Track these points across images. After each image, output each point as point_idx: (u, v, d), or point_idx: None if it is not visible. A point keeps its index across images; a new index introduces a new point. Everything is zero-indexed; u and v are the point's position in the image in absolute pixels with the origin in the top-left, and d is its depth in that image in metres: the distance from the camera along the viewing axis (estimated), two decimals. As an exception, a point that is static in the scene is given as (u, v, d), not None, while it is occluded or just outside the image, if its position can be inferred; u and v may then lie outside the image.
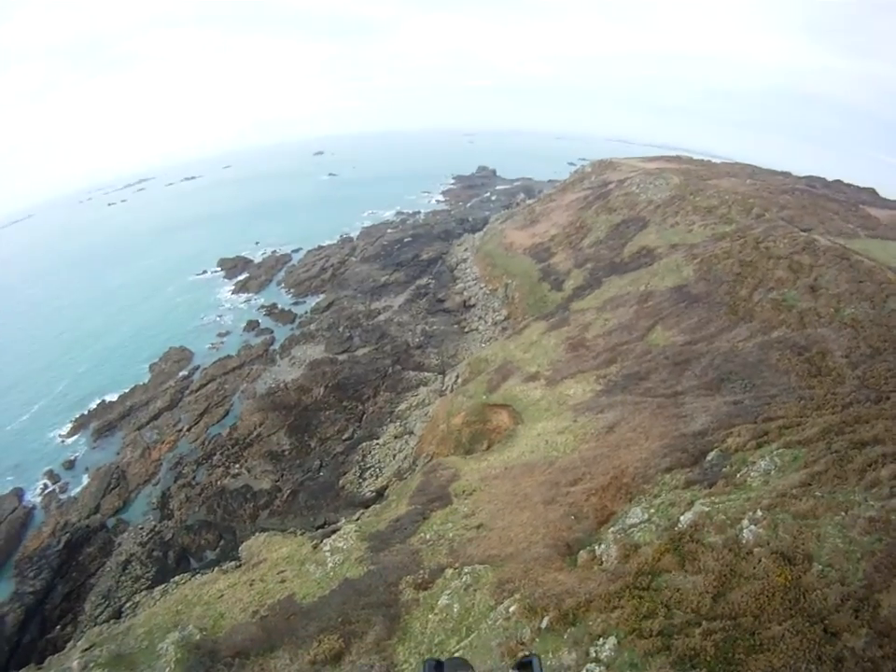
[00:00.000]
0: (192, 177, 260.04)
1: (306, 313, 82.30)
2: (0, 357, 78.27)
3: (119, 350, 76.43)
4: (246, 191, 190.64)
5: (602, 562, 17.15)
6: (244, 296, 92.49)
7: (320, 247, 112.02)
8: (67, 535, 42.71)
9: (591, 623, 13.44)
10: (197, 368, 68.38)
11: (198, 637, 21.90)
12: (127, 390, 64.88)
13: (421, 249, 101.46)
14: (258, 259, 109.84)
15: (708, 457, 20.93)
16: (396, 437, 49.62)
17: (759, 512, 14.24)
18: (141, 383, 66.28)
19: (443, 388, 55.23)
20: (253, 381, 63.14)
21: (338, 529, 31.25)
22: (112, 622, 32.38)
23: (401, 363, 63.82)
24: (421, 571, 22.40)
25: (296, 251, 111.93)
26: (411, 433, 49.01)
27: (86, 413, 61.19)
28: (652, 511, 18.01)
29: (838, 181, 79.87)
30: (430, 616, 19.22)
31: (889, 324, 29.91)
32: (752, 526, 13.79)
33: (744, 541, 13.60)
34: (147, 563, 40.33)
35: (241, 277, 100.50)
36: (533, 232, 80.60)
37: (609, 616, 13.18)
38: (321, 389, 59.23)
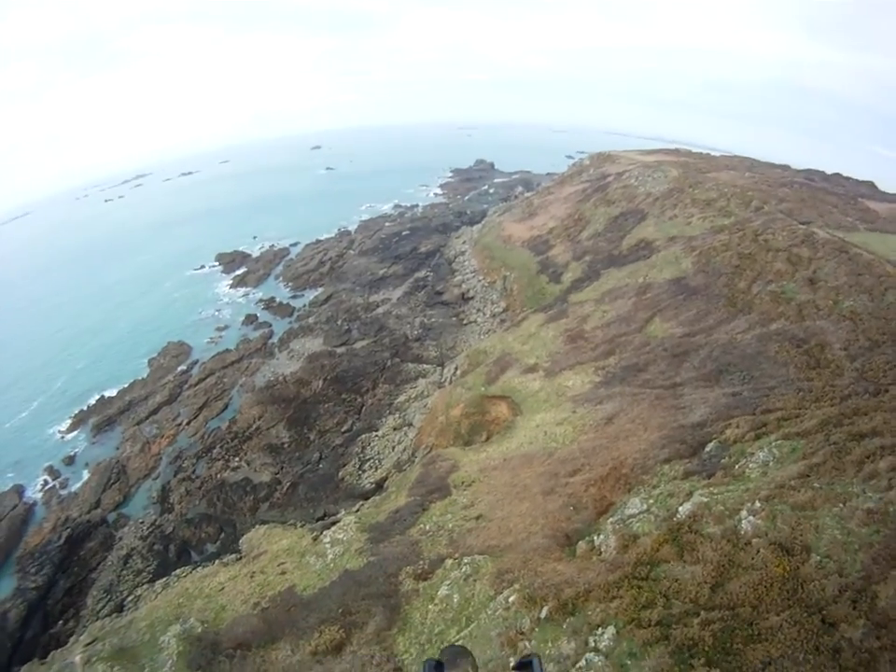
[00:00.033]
0: (189, 173, 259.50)
1: (304, 306, 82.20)
2: (-1, 354, 78.02)
3: (118, 346, 76.34)
4: (244, 186, 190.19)
5: (601, 552, 17.24)
6: (242, 290, 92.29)
7: (318, 241, 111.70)
8: (68, 530, 42.77)
9: (590, 612, 13.53)
10: (196, 362, 68.34)
11: (199, 629, 21.97)
12: (126, 385, 64.82)
13: (419, 242, 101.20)
14: (256, 253, 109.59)
15: (707, 448, 20.97)
16: (395, 429, 49.69)
17: (757, 503, 14.30)
18: (140, 378, 66.18)
19: (442, 380, 55.25)
20: (252, 374, 63.14)
21: (338, 521, 31.16)
22: (114, 615, 32.45)
23: (400, 355, 63.80)
24: (421, 562, 22.45)
25: (294, 245, 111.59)
26: (410, 425, 49.06)
27: (85, 408, 61.13)
28: (651, 501, 18.07)
29: (837, 174, 79.92)
30: (430, 606, 19.28)
31: (887, 317, 29.89)
32: (751, 517, 13.87)
33: (742, 532, 13.67)
34: (148, 556, 40.42)
35: (239, 272, 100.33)
36: (531, 225, 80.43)
37: (608, 606, 13.27)
38: (320, 382, 59.25)
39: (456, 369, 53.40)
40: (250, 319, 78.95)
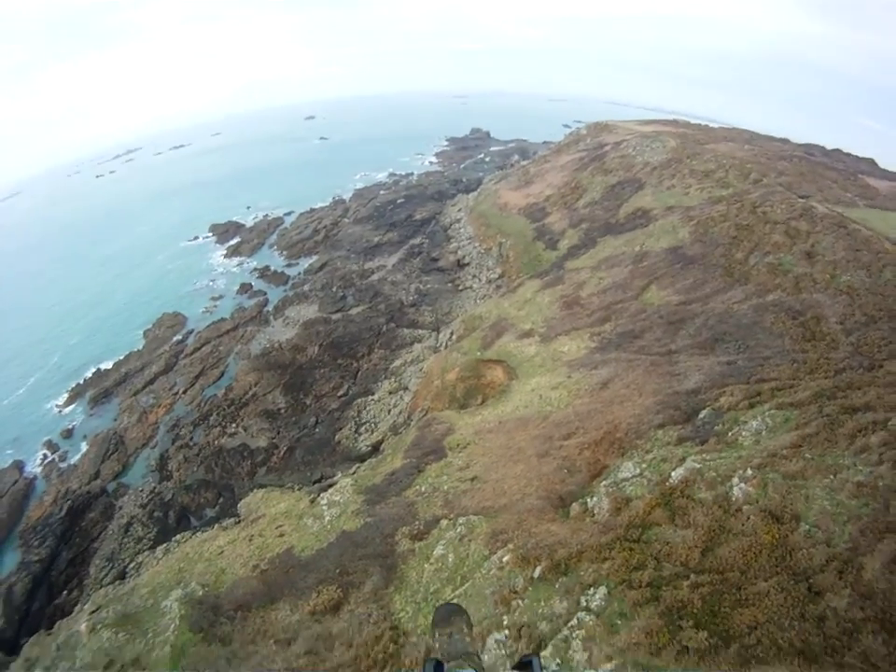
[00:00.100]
0: (181, 146, 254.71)
1: (299, 274, 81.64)
2: (-4, 333, 77.62)
3: (113, 318, 75.92)
4: (237, 157, 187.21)
5: (594, 514, 17.39)
6: (236, 260, 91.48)
7: (312, 210, 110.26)
8: (69, 502, 43.04)
9: (582, 573, 13.68)
10: (191, 332, 68.13)
11: (200, 593, 22.27)
12: (122, 357, 64.62)
13: (414, 210, 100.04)
14: (249, 223, 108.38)
15: (701, 415, 21.02)
16: (391, 393, 49.86)
17: (749, 471, 14.40)
18: (135, 349, 65.94)
19: (438, 345, 55.27)
20: (247, 342, 62.98)
21: (334, 483, 31.49)
22: (117, 583, 32.74)
23: (395, 321, 63.67)
24: (416, 522, 22.69)
25: (288, 214, 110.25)
26: (405, 389, 49.19)
27: (82, 382, 61.05)
28: (644, 466, 18.19)
29: (837, 150, 78.92)
30: (426, 566, 19.55)
31: (884, 293, 29.83)
32: (742, 484, 13.98)
33: (733, 499, 13.80)
34: (149, 524, 40.74)
35: (233, 242, 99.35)
36: (527, 193, 79.56)
37: (600, 567, 13.41)
38: (315, 348, 59.23)
39: (452, 334, 53.41)
40: (245, 288, 78.44)
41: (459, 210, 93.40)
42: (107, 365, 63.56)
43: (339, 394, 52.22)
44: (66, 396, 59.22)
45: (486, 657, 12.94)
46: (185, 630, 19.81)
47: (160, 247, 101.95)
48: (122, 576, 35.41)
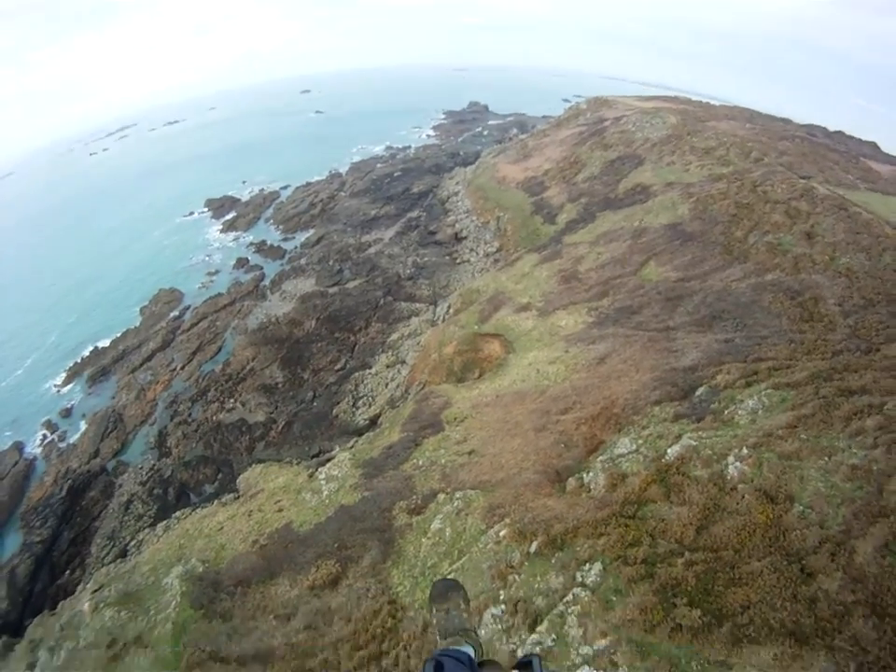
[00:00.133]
0: (175, 121, 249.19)
1: (296, 248, 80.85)
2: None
3: (109, 296, 75.36)
4: (232, 132, 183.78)
5: (590, 490, 17.44)
6: (232, 234, 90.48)
7: (309, 184, 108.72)
8: (69, 482, 43.17)
9: (578, 548, 13.73)
10: (188, 308, 67.68)
11: (201, 569, 22.50)
12: (119, 335, 64.33)
13: (412, 183, 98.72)
14: (245, 197, 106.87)
15: (697, 393, 20.97)
16: (388, 366, 49.84)
17: (745, 450, 14.39)
18: (132, 326, 65.63)
19: (435, 319, 55.11)
20: (244, 317, 62.69)
21: (332, 457, 31.53)
22: (118, 561, 33.15)
23: (393, 294, 63.32)
24: (414, 496, 22.84)
25: (284, 188, 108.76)
26: (403, 362, 49.18)
27: (79, 360, 60.82)
28: (641, 442, 18.20)
29: (840, 132, 78.11)
30: (423, 540, 19.72)
31: (883, 277, 29.59)
32: (738, 463, 13.99)
33: (729, 477, 13.81)
34: (149, 501, 40.96)
35: (229, 216, 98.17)
36: (526, 167, 78.53)
37: (596, 542, 13.46)
38: (313, 322, 59.04)
39: (449, 307, 53.22)
40: (241, 263, 77.72)
41: (457, 183, 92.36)
42: (105, 343, 63.30)
43: (336, 368, 52.18)
44: (64, 375, 59.03)
45: (483, 632, 13.04)
46: (186, 607, 20.06)
47: (155, 224, 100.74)
48: (124, 554, 35.65)
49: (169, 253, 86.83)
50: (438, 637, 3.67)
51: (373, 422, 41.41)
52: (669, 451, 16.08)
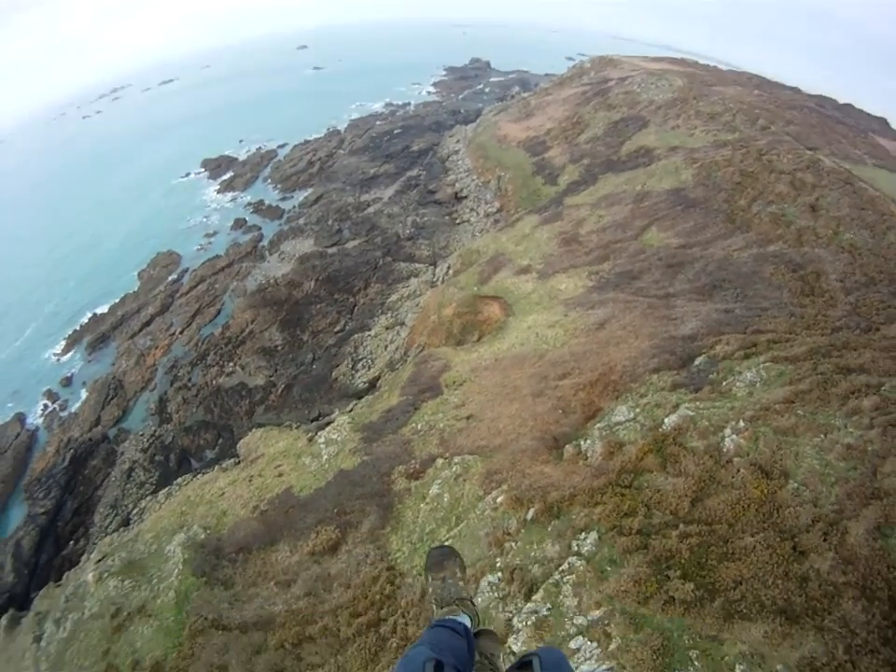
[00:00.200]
0: (170, 80, 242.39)
1: (294, 207, 79.62)
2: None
3: (107, 261, 74.50)
4: (228, 90, 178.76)
5: (587, 457, 17.41)
6: (229, 195, 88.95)
7: (307, 142, 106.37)
8: (71, 451, 43.42)
9: (574, 516, 13.75)
10: (186, 270, 67.06)
11: (202, 536, 22.74)
12: (117, 300, 63.87)
13: (411, 141, 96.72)
14: (242, 156, 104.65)
15: (696, 362, 20.78)
16: (387, 328, 49.76)
17: (741, 423, 14.28)
18: (131, 291, 65.11)
19: (434, 279, 54.78)
20: (243, 279, 62.27)
21: (332, 421, 31.51)
22: (121, 530, 33.65)
23: (392, 255, 62.72)
24: (413, 461, 22.88)
25: (282, 147, 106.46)
26: (402, 324, 49.09)
27: (78, 328, 60.51)
28: (638, 410, 18.07)
29: (849, 105, 76.24)
30: (422, 505, 19.85)
31: (886, 255, 29.08)
32: (734, 436, 13.88)
33: (725, 450, 13.72)
34: (150, 468, 41.27)
35: (226, 176, 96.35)
36: (528, 125, 76.79)
37: (592, 511, 13.44)
38: (312, 283, 58.65)
39: (449, 268, 52.79)
40: (239, 224, 76.64)
41: (457, 141, 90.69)
42: (103, 309, 62.94)
43: (335, 330, 52.08)
44: (64, 343, 58.77)
45: (479, 600, 13.15)
46: (188, 575, 20.34)
47: (151, 186, 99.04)
48: (126, 522, 36.07)
49: (166, 215, 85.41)
50: (434, 606, 3.65)
51: (373, 385, 41.45)
52: (666, 420, 15.97)
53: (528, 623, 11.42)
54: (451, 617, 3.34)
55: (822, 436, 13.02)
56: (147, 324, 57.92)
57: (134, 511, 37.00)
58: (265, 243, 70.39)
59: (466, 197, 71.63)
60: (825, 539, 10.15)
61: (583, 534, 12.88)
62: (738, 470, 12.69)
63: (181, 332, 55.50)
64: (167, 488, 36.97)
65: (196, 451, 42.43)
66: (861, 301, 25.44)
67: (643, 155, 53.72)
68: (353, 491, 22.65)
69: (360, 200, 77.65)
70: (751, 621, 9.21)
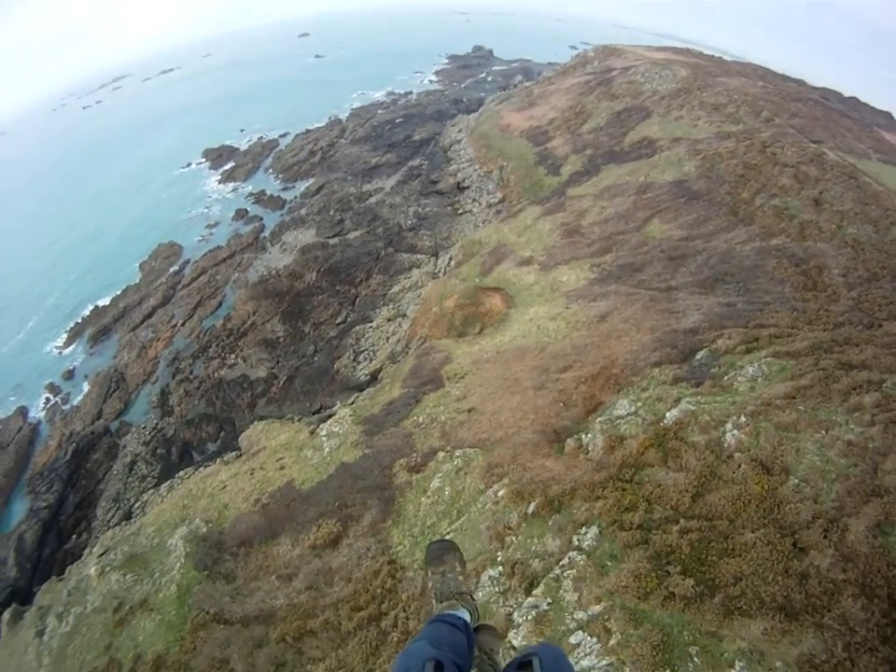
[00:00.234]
0: (170, 69, 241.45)
1: (296, 198, 79.35)
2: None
3: (108, 253, 74.41)
4: (229, 79, 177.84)
5: (588, 451, 17.36)
6: (231, 185, 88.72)
7: (308, 131, 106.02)
8: (73, 444, 43.45)
9: (575, 511, 13.77)
10: (187, 262, 66.94)
11: (204, 529, 22.78)
12: (119, 292, 63.85)
13: (413, 130, 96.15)
14: (243, 146, 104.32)
15: (698, 356, 20.66)
16: (389, 320, 49.69)
17: (743, 418, 14.21)
18: (132, 283, 65.02)
19: (436, 271, 54.64)
20: (244, 270, 62.08)
21: (334, 414, 31.50)
22: (123, 524, 33.49)
23: (394, 245, 62.49)
24: (414, 454, 22.87)
25: (283, 136, 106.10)
26: (404, 316, 49.01)
27: (80, 321, 60.54)
28: (640, 404, 17.98)
29: (854, 98, 75.88)
30: (423, 499, 19.87)
31: (889, 251, 28.72)
32: (735, 431, 13.83)
33: (726, 445, 13.68)
34: (152, 461, 41.27)
35: (227, 167, 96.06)
36: (530, 115, 76.27)
37: (593, 506, 13.45)
38: (313, 274, 58.52)
39: (451, 259, 52.65)
40: (241, 214, 76.44)
41: (459, 131, 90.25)
42: (105, 301, 62.92)
43: (337, 321, 52.01)
44: (65, 336, 58.77)
45: (480, 594, 13.21)
46: (190, 569, 20.41)
47: (152, 177, 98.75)
48: (129, 516, 36.05)
49: (167, 206, 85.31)
50: (434, 601, 3.65)
51: (374, 377, 41.44)
52: (668, 415, 15.92)
53: (529, 617, 11.47)
54: (450, 612, 3.34)
55: (823, 432, 12.96)
56: (149, 316, 57.89)
57: (136, 505, 37.03)
58: (267, 233, 70.19)
59: (468, 187, 71.27)
60: (825, 536, 10.13)
61: (584, 528, 12.89)
62: (739, 466, 12.66)
63: (183, 324, 55.45)
64: (169, 481, 36.99)
65: (198, 444, 42.46)
66: (864, 297, 25.21)
67: (646, 146, 53.36)
68: (354, 484, 22.66)
69: (362, 190, 77.30)
70: (751, 617, 9.21)
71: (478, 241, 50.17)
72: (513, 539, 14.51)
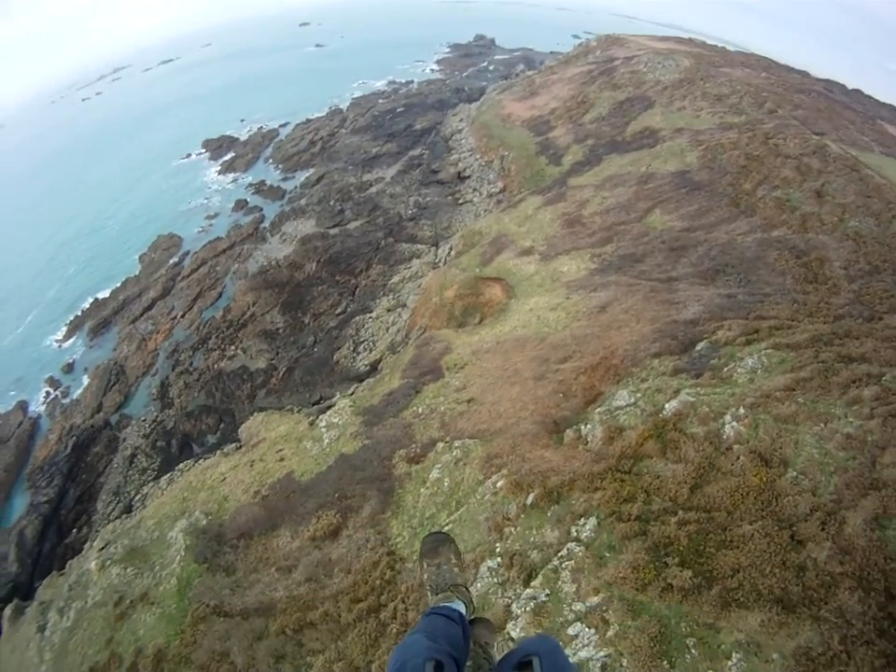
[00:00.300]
0: (170, 60, 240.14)
1: (296, 188, 78.98)
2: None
3: (108, 245, 74.25)
4: (229, 69, 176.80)
5: (587, 442, 17.32)
6: (230, 176, 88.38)
7: (308, 121, 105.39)
8: (73, 438, 43.46)
9: (574, 502, 13.75)
10: (187, 253, 66.70)
11: (204, 522, 22.82)
12: (118, 285, 63.70)
13: (414, 119, 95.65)
14: (243, 136, 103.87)
15: (697, 347, 20.59)
16: (389, 310, 49.56)
17: (742, 410, 14.16)
18: (132, 275, 64.85)
19: (436, 261, 54.42)
20: (244, 261, 61.94)
21: (333, 405, 31.51)
22: (124, 517, 33.40)
23: (394, 235, 62.24)
24: (413, 445, 22.84)
25: (283, 126, 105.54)
26: (404, 306, 48.86)
27: (80, 314, 60.40)
28: (639, 395, 17.93)
29: (858, 91, 75.03)
30: (422, 490, 19.84)
31: (891, 244, 28.54)
32: (734, 423, 13.77)
33: (725, 436, 13.62)
34: (152, 454, 41.29)
35: (227, 157, 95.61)
36: (532, 105, 75.79)
37: (592, 497, 13.43)
38: (313, 265, 58.37)
39: (451, 249, 52.46)
40: (240, 205, 76.15)
41: (461, 120, 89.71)
42: (105, 294, 62.77)
43: (337, 312, 51.88)
44: (65, 329, 58.66)
45: (479, 585, 13.22)
46: (190, 561, 20.45)
47: (152, 168, 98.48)
48: (129, 509, 36.03)
49: (167, 198, 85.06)
50: (429, 593, 3.67)
51: (374, 367, 41.38)
52: (667, 406, 15.87)
53: (527, 608, 11.48)
54: (446, 604, 3.37)
55: (822, 425, 12.91)
56: (149, 308, 57.78)
57: (137, 498, 37.04)
58: (266, 224, 69.89)
59: (469, 177, 70.87)
60: (823, 529, 10.10)
61: (583, 519, 12.88)
62: (738, 458, 12.62)
63: (182, 316, 55.31)
64: (169, 474, 36.92)
65: (198, 436, 42.43)
66: (865, 290, 25.08)
67: (648, 136, 53.07)
68: (354, 475, 22.65)
69: (362, 180, 76.95)
70: (748, 609, 9.20)
71: (478, 231, 49.98)
72: (512, 530, 14.49)
